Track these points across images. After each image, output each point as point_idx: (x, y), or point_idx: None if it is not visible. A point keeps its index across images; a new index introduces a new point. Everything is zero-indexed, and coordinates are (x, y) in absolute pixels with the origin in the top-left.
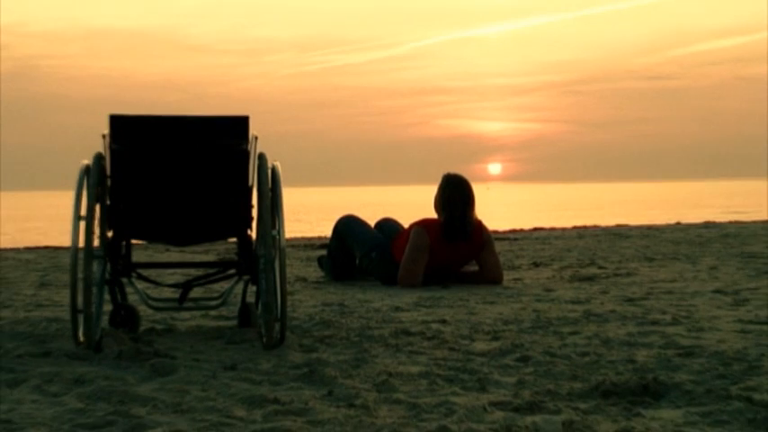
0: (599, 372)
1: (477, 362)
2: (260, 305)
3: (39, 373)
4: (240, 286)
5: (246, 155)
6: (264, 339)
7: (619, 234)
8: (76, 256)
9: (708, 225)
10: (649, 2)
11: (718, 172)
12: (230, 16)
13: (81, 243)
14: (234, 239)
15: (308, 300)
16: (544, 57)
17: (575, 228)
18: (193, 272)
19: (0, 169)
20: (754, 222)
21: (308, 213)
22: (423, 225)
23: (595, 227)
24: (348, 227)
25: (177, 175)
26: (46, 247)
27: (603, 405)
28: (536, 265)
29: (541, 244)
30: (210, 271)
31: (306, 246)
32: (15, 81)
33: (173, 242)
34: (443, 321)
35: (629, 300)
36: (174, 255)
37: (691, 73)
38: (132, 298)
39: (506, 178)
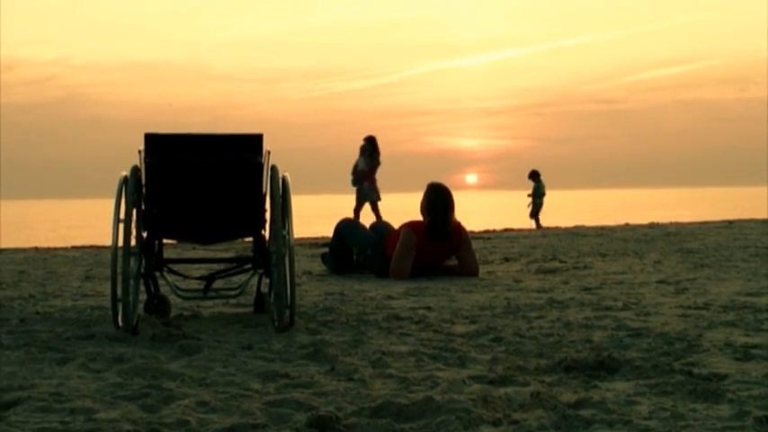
0: (561, 350)
1: (457, 342)
2: (272, 294)
3: (84, 352)
4: (255, 278)
5: (261, 167)
6: (276, 323)
7: (577, 234)
8: (116, 253)
9: (653, 226)
10: (602, 37)
11: (661, 181)
12: (248, 50)
13: (120, 242)
14: (250, 239)
15: (313, 290)
16: (512, 84)
17: (539, 228)
18: (216, 266)
19: (51, 180)
20: (692, 223)
21: (315, 217)
22: (410, 227)
23: (557, 227)
24: (347, 228)
25: (202, 184)
26: (90, 246)
27: (565, 378)
28: (507, 260)
29: (511, 242)
30: (230, 265)
31: (311, 244)
32: (65, 105)
33: (198, 241)
34: (428, 308)
35: (587, 289)
36: (200, 252)
37: (635, 97)
38: (164, 289)
39: (481, 187)
